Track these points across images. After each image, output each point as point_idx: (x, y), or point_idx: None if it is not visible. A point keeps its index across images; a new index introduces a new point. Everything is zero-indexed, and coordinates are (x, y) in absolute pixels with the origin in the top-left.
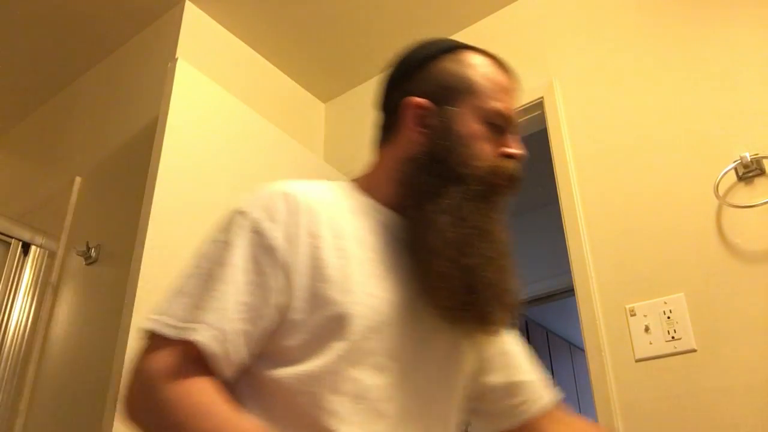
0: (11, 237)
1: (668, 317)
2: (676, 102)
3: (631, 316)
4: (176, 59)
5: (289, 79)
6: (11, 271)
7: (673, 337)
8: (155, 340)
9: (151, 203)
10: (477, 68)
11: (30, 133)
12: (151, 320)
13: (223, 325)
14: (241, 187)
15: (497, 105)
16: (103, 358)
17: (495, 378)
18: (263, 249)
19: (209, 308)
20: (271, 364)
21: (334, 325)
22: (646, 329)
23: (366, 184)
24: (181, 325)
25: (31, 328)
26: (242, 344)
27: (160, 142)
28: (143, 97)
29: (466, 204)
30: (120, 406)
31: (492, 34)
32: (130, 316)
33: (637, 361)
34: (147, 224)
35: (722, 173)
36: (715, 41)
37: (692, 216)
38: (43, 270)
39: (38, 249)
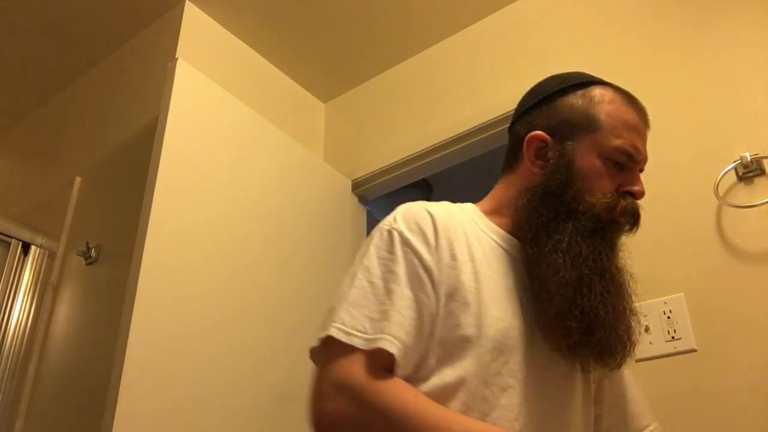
0: (11, 237)
1: (668, 317)
2: (676, 102)
3: None
4: (176, 59)
5: (289, 79)
6: (11, 271)
7: (673, 337)
8: (338, 348)
9: (151, 203)
10: (603, 105)
11: (30, 133)
12: (336, 330)
13: (403, 338)
14: (241, 187)
15: (617, 142)
16: (103, 358)
17: (606, 406)
18: (423, 268)
19: (392, 321)
20: (406, 380)
21: (466, 345)
22: (646, 329)
23: (490, 209)
24: (370, 336)
25: (31, 328)
26: (411, 357)
27: (160, 142)
28: (143, 97)
29: (581, 241)
30: (315, 419)
31: (492, 34)
32: (130, 316)
33: (637, 361)
34: (147, 224)
35: (722, 173)
36: (715, 41)
37: (692, 216)
38: (43, 270)
39: (38, 249)
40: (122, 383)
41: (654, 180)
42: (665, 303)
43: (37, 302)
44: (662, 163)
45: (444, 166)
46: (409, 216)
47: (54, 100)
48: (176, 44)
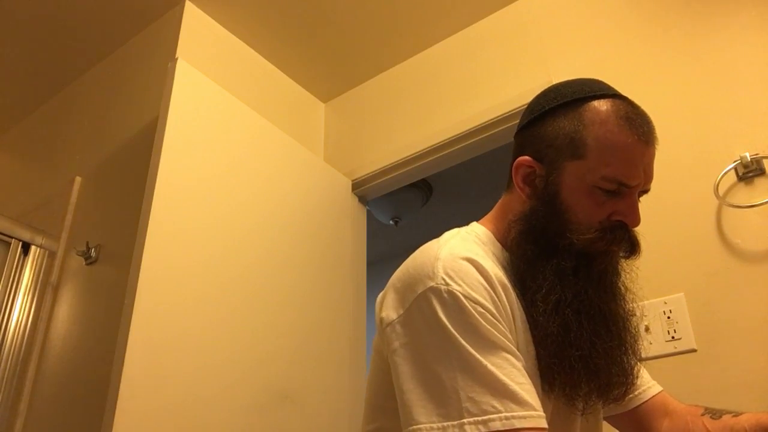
0: (11, 237)
1: (668, 317)
2: (676, 102)
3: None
4: (176, 59)
5: (289, 79)
6: (11, 271)
7: (673, 337)
8: None
9: (151, 203)
10: (593, 127)
11: (30, 133)
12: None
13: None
14: (241, 187)
15: (606, 170)
16: (103, 358)
17: None
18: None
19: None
20: None
21: None
22: (646, 329)
23: (496, 230)
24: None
25: (31, 328)
26: None
27: (160, 142)
28: (143, 97)
29: (563, 284)
30: None
31: (492, 34)
32: (130, 316)
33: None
34: (147, 224)
35: (722, 173)
36: (715, 41)
37: (692, 216)
38: (43, 270)
39: (38, 249)
40: (122, 383)
41: (654, 180)
42: (665, 303)
43: (37, 302)
44: (662, 163)
45: (444, 166)
46: (462, 273)
47: (54, 100)
48: (176, 44)
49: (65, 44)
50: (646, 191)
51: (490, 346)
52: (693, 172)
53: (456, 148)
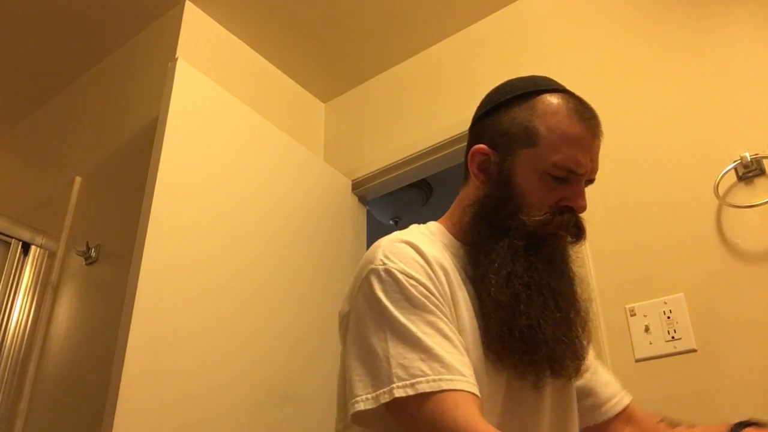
0: (11, 237)
1: (668, 317)
2: (676, 102)
3: (631, 316)
4: (176, 59)
5: (289, 79)
6: (11, 271)
7: (673, 337)
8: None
9: (151, 203)
10: (544, 117)
11: (30, 133)
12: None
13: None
14: (241, 187)
15: (555, 157)
16: (103, 358)
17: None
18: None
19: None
20: None
21: None
22: (646, 329)
23: (450, 224)
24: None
25: (31, 328)
26: None
27: (160, 142)
28: (143, 97)
29: (515, 260)
30: None
31: (492, 34)
32: (130, 316)
33: (637, 361)
34: (147, 224)
35: (722, 173)
36: (715, 41)
37: (692, 216)
38: (43, 270)
39: (38, 249)
40: (122, 383)
41: (654, 180)
42: (665, 303)
43: (37, 302)
44: (662, 163)
45: (444, 166)
46: (399, 253)
47: (54, 100)
48: (176, 44)
49: (65, 44)
50: (591, 180)
51: (422, 316)
52: (693, 172)
53: (456, 148)
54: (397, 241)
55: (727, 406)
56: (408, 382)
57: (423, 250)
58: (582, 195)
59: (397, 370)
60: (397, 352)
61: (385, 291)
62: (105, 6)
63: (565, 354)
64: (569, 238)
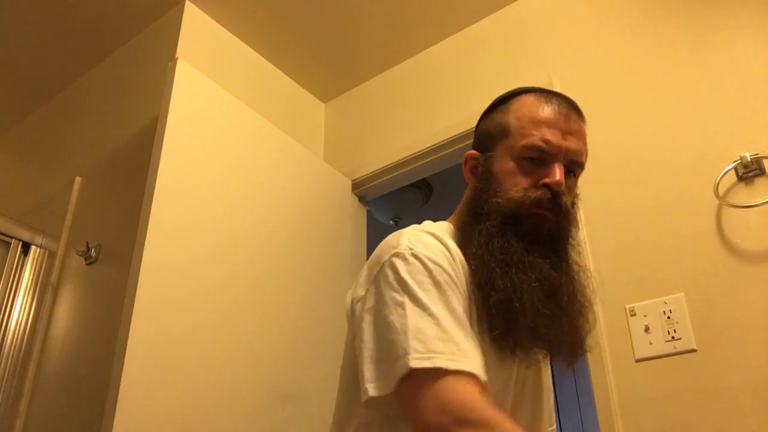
0: (11, 237)
1: (668, 317)
2: (677, 102)
3: (631, 316)
4: (176, 59)
5: (289, 79)
6: (11, 271)
7: (673, 337)
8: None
9: (151, 203)
10: (516, 111)
11: (30, 133)
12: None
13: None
14: (241, 187)
15: (525, 140)
16: (103, 358)
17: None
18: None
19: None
20: None
21: None
22: (646, 329)
23: (458, 224)
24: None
25: (31, 328)
26: None
27: (160, 142)
28: (143, 97)
29: (490, 240)
30: None
31: (492, 34)
32: (130, 316)
33: (637, 361)
34: (147, 224)
35: (722, 173)
36: (716, 41)
37: (692, 216)
38: (43, 270)
39: (38, 249)
40: (122, 383)
41: (654, 180)
42: (665, 303)
43: (37, 302)
44: (662, 162)
45: (444, 166)
46: (424, 241)
47: (54, 100)
48: (176, 44)
49: (65, 44)
50: (579, 165)
51: (445, 300)
52: (693, 172)
53: (456, 148)
54: (420, 230)
55: (727, 406)
56: (425, 355)
57: (446, 242)
58: (556, 172)
59: (414, 343)
60: (416, 328)
61: (410, 272)
62: (105, 6)
63: (550, 328)
64: (548, 215)
